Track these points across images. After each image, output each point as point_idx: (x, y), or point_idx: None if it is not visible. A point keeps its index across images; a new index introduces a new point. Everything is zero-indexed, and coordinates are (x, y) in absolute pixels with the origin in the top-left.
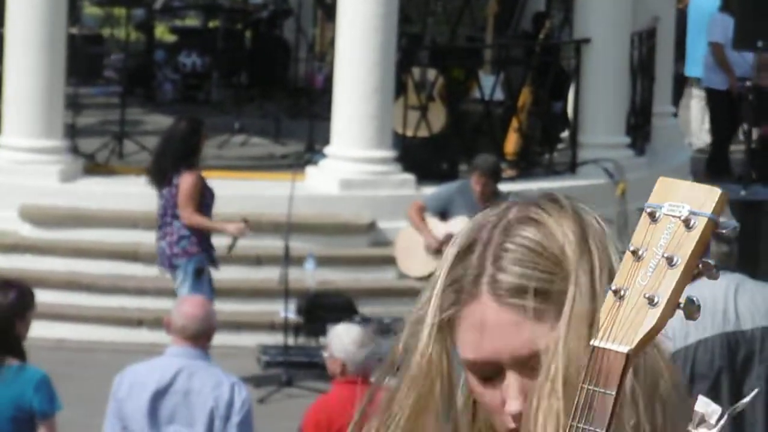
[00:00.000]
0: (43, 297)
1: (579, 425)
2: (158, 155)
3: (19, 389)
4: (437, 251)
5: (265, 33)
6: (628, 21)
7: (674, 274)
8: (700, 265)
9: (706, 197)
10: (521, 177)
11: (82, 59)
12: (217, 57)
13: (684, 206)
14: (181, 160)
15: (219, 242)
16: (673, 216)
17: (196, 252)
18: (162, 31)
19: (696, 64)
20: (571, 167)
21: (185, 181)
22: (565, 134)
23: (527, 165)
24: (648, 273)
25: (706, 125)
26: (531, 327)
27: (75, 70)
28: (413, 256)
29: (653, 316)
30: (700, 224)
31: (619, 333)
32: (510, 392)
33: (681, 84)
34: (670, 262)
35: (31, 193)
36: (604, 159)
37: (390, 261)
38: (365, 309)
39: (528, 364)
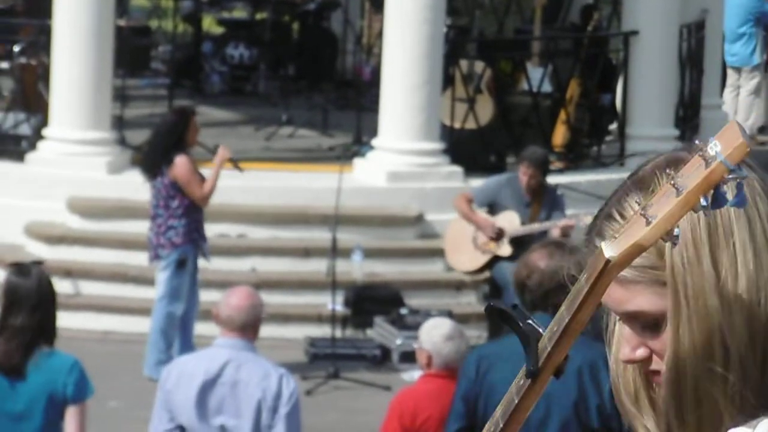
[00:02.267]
0: (90, 288)
1: (563, 309)
2: (149, 148)
3: (51, 375)
4: (489, 240)
5: (312, 25)
6: (676, 13)
7: (672, 202)
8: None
9: (731, 144)
10: (569, 169)
11: (130, 51)
12: (265, 49)
13: (718, 146)
14: (171, 151)
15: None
16: (708, 152)
17: (181, 243)
18: (209, 23)
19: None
20: (620, 159)
21: (180, 168)
22: (613, 126)
23: (575, 157)
24: (663, 197)
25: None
26: (624, 290)
27: (123, 62)
28: (461, 251)
29: (641, 232)
30: (713, 165)
31: (618, 241)
32: (622, 340)
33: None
34: (678, 191)
35: (79, 185)
36: (652, 151)
37: (437, 253)
38: (412, 301)
39: (637, 321)
